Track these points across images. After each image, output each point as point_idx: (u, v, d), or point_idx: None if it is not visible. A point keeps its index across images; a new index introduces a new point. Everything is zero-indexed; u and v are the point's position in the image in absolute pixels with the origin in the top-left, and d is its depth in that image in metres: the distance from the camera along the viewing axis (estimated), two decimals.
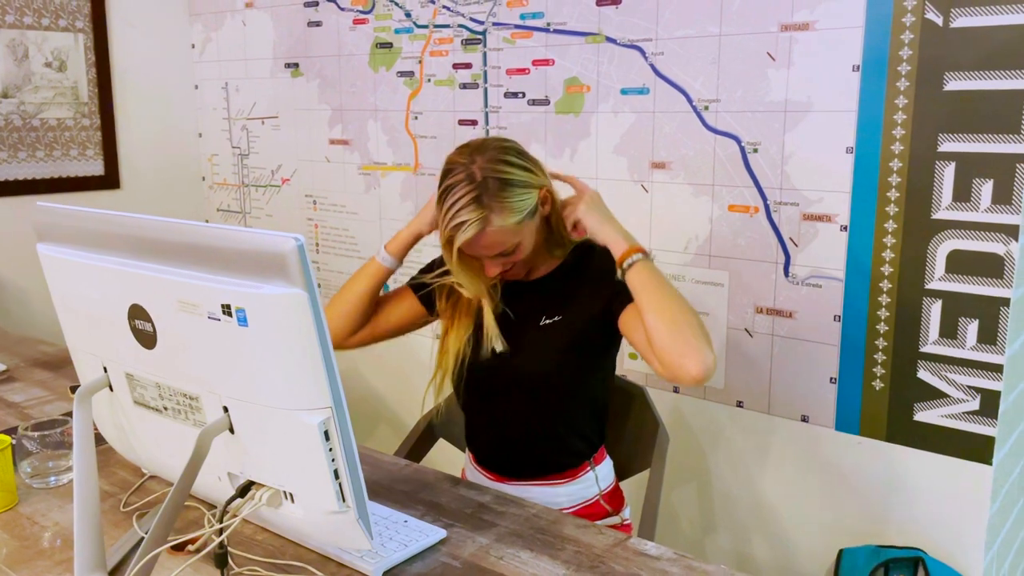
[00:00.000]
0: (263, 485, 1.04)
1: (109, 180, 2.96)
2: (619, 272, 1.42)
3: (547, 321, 1.54)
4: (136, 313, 1.04)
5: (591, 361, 1.57)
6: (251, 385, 0.98)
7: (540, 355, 1.54)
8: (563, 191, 1.56)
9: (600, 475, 1.63)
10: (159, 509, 1.25)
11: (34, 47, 2.74)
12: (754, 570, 2.06)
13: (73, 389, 1.88)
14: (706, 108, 1.97)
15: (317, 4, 2.71)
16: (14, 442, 1.41)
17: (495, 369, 1.55)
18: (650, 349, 1.38)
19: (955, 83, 1.63)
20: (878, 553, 1.82)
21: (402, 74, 2.54)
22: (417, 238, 1.59)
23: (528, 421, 1.57)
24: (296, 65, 2.82)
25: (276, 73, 2.89)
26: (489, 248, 1.44)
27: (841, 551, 1.87)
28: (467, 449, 1.71)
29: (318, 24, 2.72)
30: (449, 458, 1.96)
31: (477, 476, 1.66)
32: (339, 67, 2.70)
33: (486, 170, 1.41)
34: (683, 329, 1.34)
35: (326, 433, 0.95)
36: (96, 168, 2.92)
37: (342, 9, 2.65)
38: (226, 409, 1.02)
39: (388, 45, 2.56)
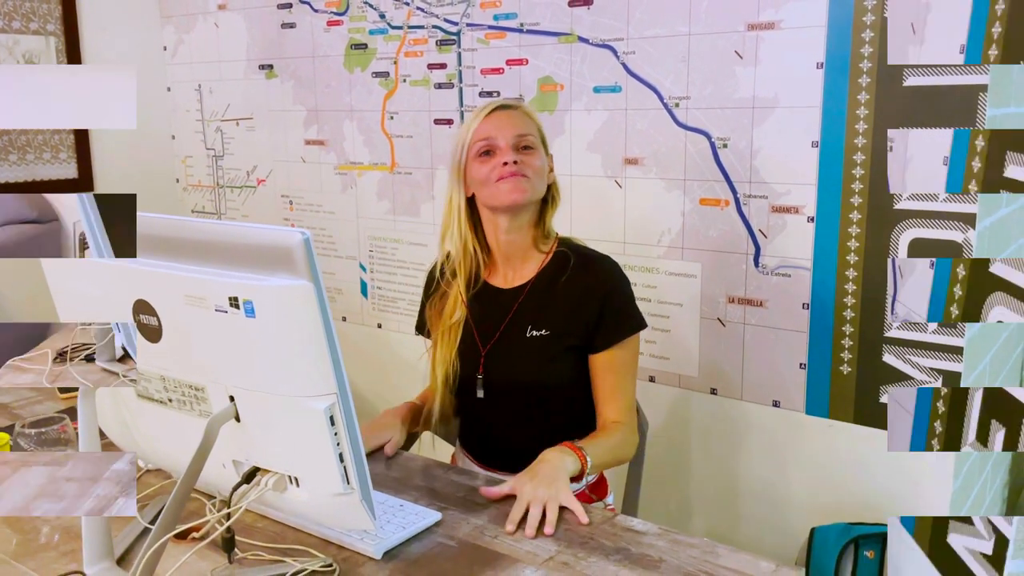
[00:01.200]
0: (268, 471, 1.08)
1: (83, 183, 2.96)
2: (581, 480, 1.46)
3: (534, 333, 1.57)
4: (141, 308, 1.07)
5: (578, 371, 1.60)
6: (258, 374, 1.02)
7: (529, 366, 1.58)
8: None
9: None
10: (161, 500, 1.29)
11: (5, 50, 2.73)
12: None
13: (62, 389, 1.89)
14: (677, 105, 2.03)
15: (291, 6, 2.74)
16: (11, 440, 1.43)
17: (486, 378, 1.59)
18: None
19: (914, 79, 1.71)
20: (848, 530, 1.89)
21: (377, 75, 2.58)
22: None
23: (520, 426, 1.62)
24: (270, 67, 2.84)
25: (250, 74, 2.91)
26: (514, 121, 1.54)
27: (813, 529, 1.94)
28: (457, 442, 1.76)
29: (292, 26, 2.75)
30: (433, 451, 2.00)
31: (469, 466, 1.70)
32: (314, 68, 2.73)
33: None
34: (618, 462, 1.62)
35: (331, 418, 1.00)
36: (70, 171, 2.92)
37: (316, 11, 2.68)
38: (232, 398, 1.05)
39: (363, 46, 2.59)
